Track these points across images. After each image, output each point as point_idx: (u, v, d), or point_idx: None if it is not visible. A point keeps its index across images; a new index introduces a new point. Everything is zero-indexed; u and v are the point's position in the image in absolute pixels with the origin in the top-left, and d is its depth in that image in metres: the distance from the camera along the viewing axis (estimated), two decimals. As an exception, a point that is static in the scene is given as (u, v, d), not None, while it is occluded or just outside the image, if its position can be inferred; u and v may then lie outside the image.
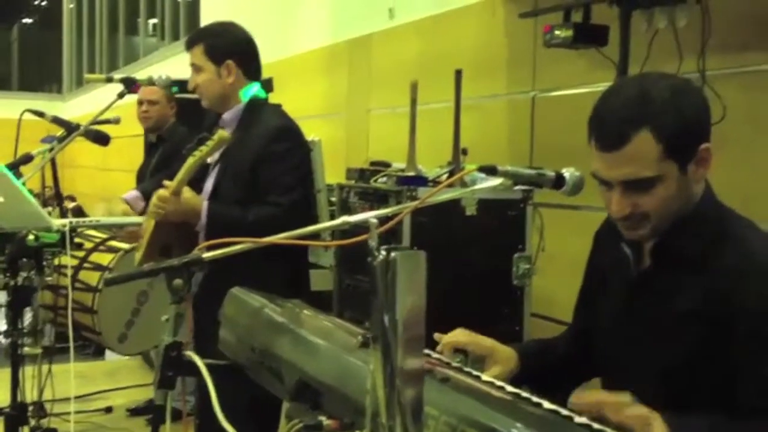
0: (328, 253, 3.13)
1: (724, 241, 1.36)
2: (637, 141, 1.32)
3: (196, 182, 2.53)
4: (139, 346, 3.47)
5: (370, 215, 1.30)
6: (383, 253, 0.90)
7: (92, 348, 5.09)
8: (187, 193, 2.40)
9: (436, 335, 1.47)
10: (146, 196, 3.02)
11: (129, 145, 6.67)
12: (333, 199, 3.20)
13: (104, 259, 3.44)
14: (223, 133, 2.28)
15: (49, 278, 2.94)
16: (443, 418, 0.95)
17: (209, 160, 2.47)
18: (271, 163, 2.45)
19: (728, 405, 1.27)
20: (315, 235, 2.50)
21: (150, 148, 4.40)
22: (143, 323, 3.28)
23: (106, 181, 10.28)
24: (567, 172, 1.51)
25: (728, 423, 1.25)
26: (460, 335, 1.49)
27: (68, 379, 2.88)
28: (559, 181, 1.50)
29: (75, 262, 3.27)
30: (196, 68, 2.58)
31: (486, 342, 1.50)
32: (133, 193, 3.35)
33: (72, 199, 8.17)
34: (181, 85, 3.77)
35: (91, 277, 3.34)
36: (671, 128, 1.32)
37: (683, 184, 1.36)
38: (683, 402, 1.30)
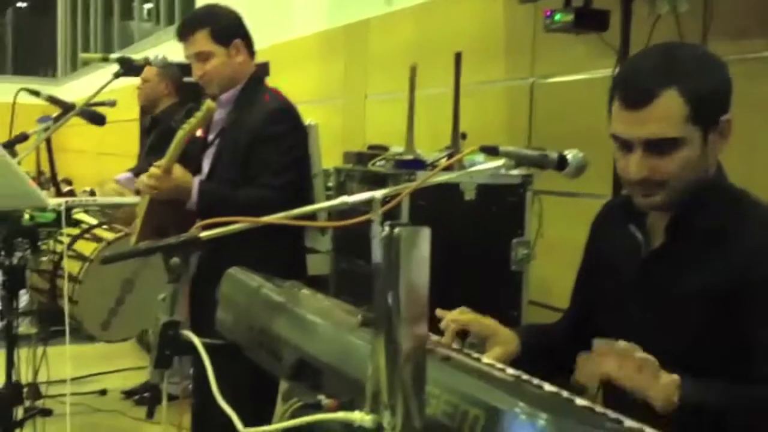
0: (324, 237, 3.12)
1: (741, 216, 1.36)
2: (665, 99, 1.31)
3: (193, 160, 2.51)
4: (123, 333, 3.46)
5: (371, 194, 1.29)
6: (387, 229, 0.89)
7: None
8: (178, 171, 2.37)
9: (438, 311, 1.46)
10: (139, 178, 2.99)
11: (125, 129, 6.63)
12: (330, 184, 3.18)
13: (88, 248, 3.41)
14: (210, 104, 2.25)
15: (44, 258, 2.92)
16: (444, 396, 0.94)
17: (199, 133, 2.44)
18: (266, 144, 2.43)
19: (742, 380, 1.27)
20: (313, 218, 2.49)
21: (146, 131, 4.38)
22: (127, 311, 3.26)
23: (102, 166, 10.24)
24: (570, 154, 1.50)
25: (740, 387, 1.24)
26: (463, 314, 1.48)
27: (63, 361, 2.87)
28: (561, 163, 1.49)
29: (75, 233, 3.25)
30: (204, 56, 2.52)
31: (489, 322, 1.50)
32: (126, 174, 3.33)
33: (68, 182, 8.12)
34: (181, 68, 3.74)
35: (73, 267, 3.32)
36: (699, 91, 1.32)
37: (703, 153, 1.36)
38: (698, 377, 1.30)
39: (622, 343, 1.15)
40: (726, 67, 1.41)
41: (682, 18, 2.57)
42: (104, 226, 3.33)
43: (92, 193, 3.61)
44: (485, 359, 1.22)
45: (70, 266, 3.09)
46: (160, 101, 4.24)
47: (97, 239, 3.25)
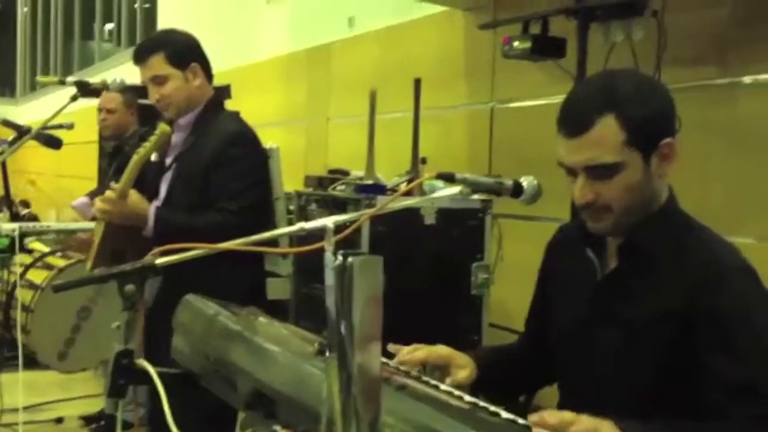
0: (285, 261, 3.11)
1: (690, 243, 1.38)
2: (601, 126, 1.34)
3: (150, 184, 2.48)
4: (82, 363, 3.38)
5: (326, 221, 1.29)
6: (340, 258, 0.89)
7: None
8: (134, 196, 2.35)
9: (391, 346, 1.45)
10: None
11: (83, 152, 6.55)
12: (291, 207, 3.17)
13: (39, 276, 3.33)
14: (164, 127, 2.23)
15: (-4, 284, 2.86)
16: (399, 426, 0.93)
17: (153, 157, 2.42)
18: (223, 168, 2.41)
19: (695, 406, 1.28)
20: (273, 243, 2.48)
21: (111, 155, 4.33)
22: (85, 340, 3.18)
23: (59, 188, 10.10)
24: (525, 181, 1.52)
25: (686, 425, 1.26)
26: (417, 350, 1.47)
27: (17, 389, 2.81)
28: (517, 190, 1.51)
29: (28, 261, 3.18)
30: (160, 79, 2.50)
31: (443, 351, 1.50)
32: (82, 199, 3.29)
33: (25, 204, 7.99)
34: (138, 90, 3.72)
35: (25, 296, 3.24)
36: (635, 116, 1.35)
37: (646, 177, 1.38)
38: (650, 404, 1.31)
39: (567, 414, 1.16)
40: (667, 91, 1.44)
41: (637, 45, 2.63)
42: (57, 254, 3.27)
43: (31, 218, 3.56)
44: (443, 386, 1.22)
45: (22, 296, 3.02)
46: (126, 129, 4.19)
47: (49, 267, 3.19)
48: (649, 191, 1.40)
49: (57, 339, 3.08)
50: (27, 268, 3.11)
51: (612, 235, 1.44)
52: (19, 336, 2.68)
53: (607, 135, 1.34)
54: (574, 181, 1.39)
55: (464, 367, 1.49)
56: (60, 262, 3.17)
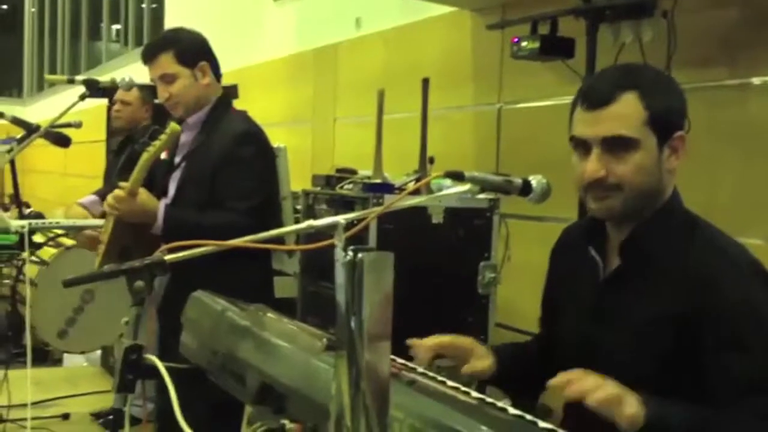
0: (292, 260, 3.11)
1: (695, 241, 1.38)
2: (625, 100, 1.36)
3: (159, 182, 2.49)
4: (82, 345, 3.38)
5: (336, 219, 1.29)
6: (350, 254, 0.89)
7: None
8: (144, 194, 2.35)
9: (410, 341, 1.47)
10: (105, 199, 2.97)
11: (90, 151, 6.57)
12: (299, 206, 3.17)
13: (47, 254, 3.35)
14: (174, 126, 2.24)
15: (6, 281, 2.87)
16: (408, 420, 0.94)
17: (163, 156, 2.43)
18: (232, 168, 2.42)
19: (699, 405, 1.28)
20: (280, 241, 2.48)
21: (119, 148, 4.34)
22: (87, 322, 3.18)
23: (67, 187, 10.13)
24: (534, 180, 1.51)
25: (705, 408, 1.25)
26: (439, 337, 1.49)
27: (25, 385, 2.82)
28: (526, 188, 1.50)
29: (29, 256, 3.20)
30: (169, 78, 2.51)
31: (463, 342, 1.52)
32: (90, 197, 3.29)
33: (26, 206, 8.00)
34: (148, 89, 3.73)
35: (32, 271, 3.25)
36: (657, 99, 1.37)
37: (657, 163, 1.38)
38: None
39: (590, 380, 1.16)
40: (683, 91, 1.45)
41: (647, 46, 2.62)
42: (69, 235, 3.27)
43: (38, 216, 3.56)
44: (450, 382, 1.22)
45: (30, 271, 3.03)
46: (138, 124, 4.21)
47: (59, 246, 3.20)
48: (658, 181, 1.40)
49: (58, 316, 3.08)
50: (39, 246, 3.12)
51: (615, 219, 1.44)
52: (28, 328, 2.69)
53: (629, 110, 1.36)
54: (585, 158, 1.39)
55: (484, 359, 1.50)
56: (70, 243, 3.18)
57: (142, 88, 3.23)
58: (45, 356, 4.54)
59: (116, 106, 4.18)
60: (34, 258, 3.08)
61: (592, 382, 1.15)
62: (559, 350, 1.56)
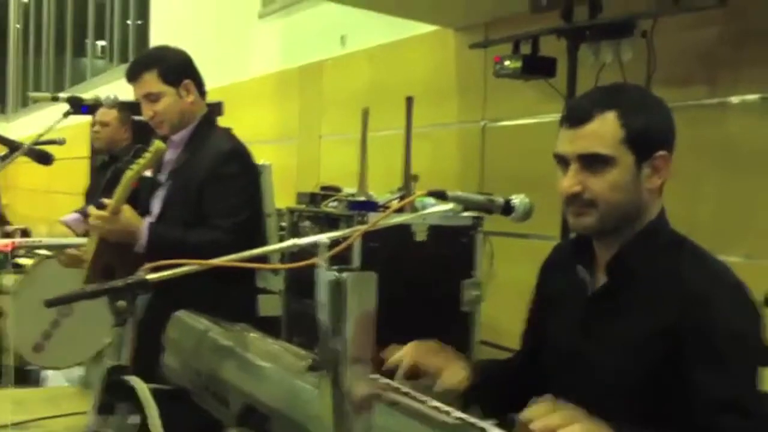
0: (277, 277, 3.11)
1: (681, 260, 1.39)
2: (602, 119, 1.38)
3: (143, 200, 2.48)
4: (57, 361, 3.33)
5: (320, 237, 1.29)
6: (333, 274, 0.89)
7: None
8: (128, 212, 2.34)
9: (389, 351, 1.48)
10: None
11: (74, 168, 6.55)
12: (283, 224, 3.17)
13: (27, 263, 3.31)
14: (159, 144, 2.23)
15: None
16: (391, 441, 0.94)
17: (148, 173, 2.42)
18: (217, 185, 2.42)
19: (686, 423, 1.29)
20: (264, 259, 2.48)
21: (101, 167, 4.33)
22: (63, 337, 3.14)
23: (50, 204, 10.07)
24: (516, 199, 1.52)
25: None
26: (414, 347, 1.50)
27: (6, 406, 2.79)
28: (508, 208, 1.51)
29: (15, 278, 3.15)
30: (153, 96, 2.50)
31: (438, 359, 1.53)
32: (73, 215, 3.27)
33: (7, 223, 7.94)
34: (134, 107, 3.72)
35: (11, 279, 3.20)
36: (637, 118, 1.39)
37: (635, 182, 1.40)
38: (640, 421, 1.31)
39: (556, 416, 1.17)
40: (670, 110, 1.46)
41: (627, 66, 2.65)
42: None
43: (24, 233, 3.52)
44: (432, 402, 1.23)
45: (7, 280, 2.98)
46: (118, 144, 4.20)
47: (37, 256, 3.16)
48: (637, 199, 1.41)
49: (34, 329, 3.03)
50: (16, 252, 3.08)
51: (593, 234, 1.46)
52: (12, 354, 2.65)
53: (605, 128, 1.38)
54: (564, 172, 1.42)
55: (457, 373, 1.50)
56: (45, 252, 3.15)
57: (122, 107, 3.21)
58: (25, 376, 4.49)
59: (95, 128, 4.16)
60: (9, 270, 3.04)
61: (560, 417, 1.15)
62: (547, 366, 1.56)
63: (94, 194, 4.07)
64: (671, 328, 1.33)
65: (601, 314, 1.44)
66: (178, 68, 2.54)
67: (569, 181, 1.40)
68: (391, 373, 1.50)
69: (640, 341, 1.36)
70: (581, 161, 1.39)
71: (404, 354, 1.51)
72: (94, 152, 4.41)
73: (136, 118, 3.46)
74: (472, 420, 1.10)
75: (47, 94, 2.97)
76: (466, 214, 2.63)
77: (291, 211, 3.04)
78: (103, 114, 4.05)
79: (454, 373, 1.50)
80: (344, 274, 0.88)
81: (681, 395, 1.31)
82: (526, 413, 1.15)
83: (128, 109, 3.91)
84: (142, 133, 3.83)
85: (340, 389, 0.88)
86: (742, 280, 1.38)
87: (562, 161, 1.43)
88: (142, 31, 8.85)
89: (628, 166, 1.39)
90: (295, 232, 2.97)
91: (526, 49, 2.91)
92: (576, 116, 1.41)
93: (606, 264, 1.45)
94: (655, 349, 1.34)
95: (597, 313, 1.45)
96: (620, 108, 1.39)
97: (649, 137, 1.40)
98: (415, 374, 1.52)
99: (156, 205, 2.53)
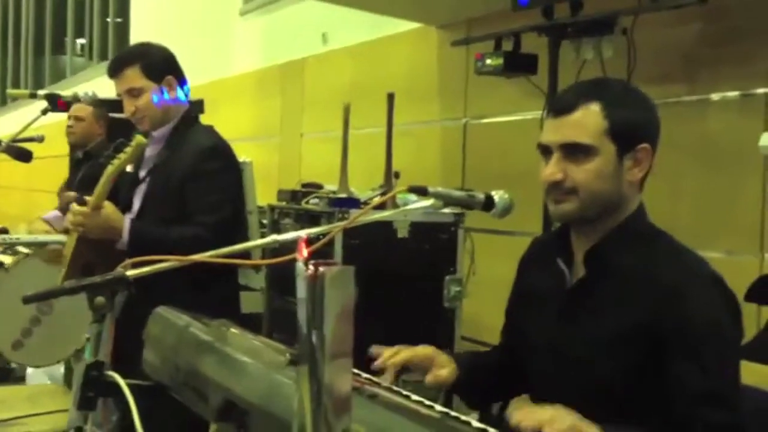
0: (258, 275, 3.10)
1: (658, 253, 1.41)
2: (586, 110, 1.41)
3: (123, 196, 2.47)
4: (37, 359, 3.31)
5: (299, 233, 1.29)
6: (311, 268, 0.89)
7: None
8: (109, 208, 2.32)
9: (375, 348, 1.48)
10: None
11: (54, 165, 6.49)
12: (264, 221, 3.17)
13: (6, 260, 3.28)
14: (140, 139, 2.22)
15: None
16: (370, 435, 0.94)
17: (129, 168, 2.40)
18: (199, 182, 2.40)
19: (664, 416, 1.30)
20: (245, 256, 2.47)
21: (76, 164, 4.30)
22: (43, 334, 3.11)
23: (30, 202, 9.98)
24: (496, 195, 1.53)
25: None
26: (399, 352, 1.50)
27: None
28: (488, 203, 1.52)
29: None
30: (135, 92, 2.49)
31: (425, 351, 1.53)
32: (53, 212, 3.25)
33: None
34: (110, 104, 3.70)
35: None
36: (620, 111, 1.41)
37: (616, 173, 1.42)
38: (619, 414, 1.32)
39: (545, 413, 1.17)
40: (654, 107, 1.48)
41: (607, 63, 2.67)
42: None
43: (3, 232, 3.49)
44: (414, 396, 1.23)
45: None
46: (92, 139, 4.18)
47: (16, 254, 3.13)
48: (617, 190, 1.42)
49: (14, 326, 3.00)
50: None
51: (572, 222, 1.47)
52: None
53: (589, 119, 1.40)
54: (547, 162, 1.43)
55: (445, 367, 1.51)
56: (26, 250, 3.12)
57: (97, 104, 3.19)
58: (7, 375, 4.46)
59: (69, 122, 4.14)
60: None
61: (549, 414, 1.16)
62: (525, 360, 1.57)
63: (69, 188, 4.05)
64: (647, 321, 1.34)
65: (579, 307, 1.45)
66: (160, 64, 2.53)
67: (551, 169, 1.42)
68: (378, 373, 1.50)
69: (616, 335, 1.37)
70: (564, 150, 1.41)
71: (391, 360, 1.50)
72: (73, 149, 4.39)
73: (115, 115, 3.43)
74: (455, 414, 1.10)
75: (25, 91, 2.95)
76: (447, 210, 2.64)
77: (272, 209, 3.04)
78: (77, 109, 4.03)
79: (443, 366, 1.51)
80: (322, 269, 0.88)
81: (658, 388, 1.32)
82: (513, 419, 1.15)
83: (105, 105, 3.89)
84: (118, 130, 3.82)
85: (318, 383, 0.88)
86: (719, 273, 1.39)
87: (546, 151, 1.44)
88: (122, 29, 8.80)
89: (609, 157, 1.40)
90: (277, 229, 2.96)
91: (507, 46, 2.91)
92: (560, 106, 1.43)
93: (583, 257, 1.46)
94: (632, 342, 1.35)
95: (574, 306, 1.46)
96: (604, 100, 1.41)
97: (632, 130, 1.42)
98: (404, 369, 1.52)
99: (136, 202, 2.52)
